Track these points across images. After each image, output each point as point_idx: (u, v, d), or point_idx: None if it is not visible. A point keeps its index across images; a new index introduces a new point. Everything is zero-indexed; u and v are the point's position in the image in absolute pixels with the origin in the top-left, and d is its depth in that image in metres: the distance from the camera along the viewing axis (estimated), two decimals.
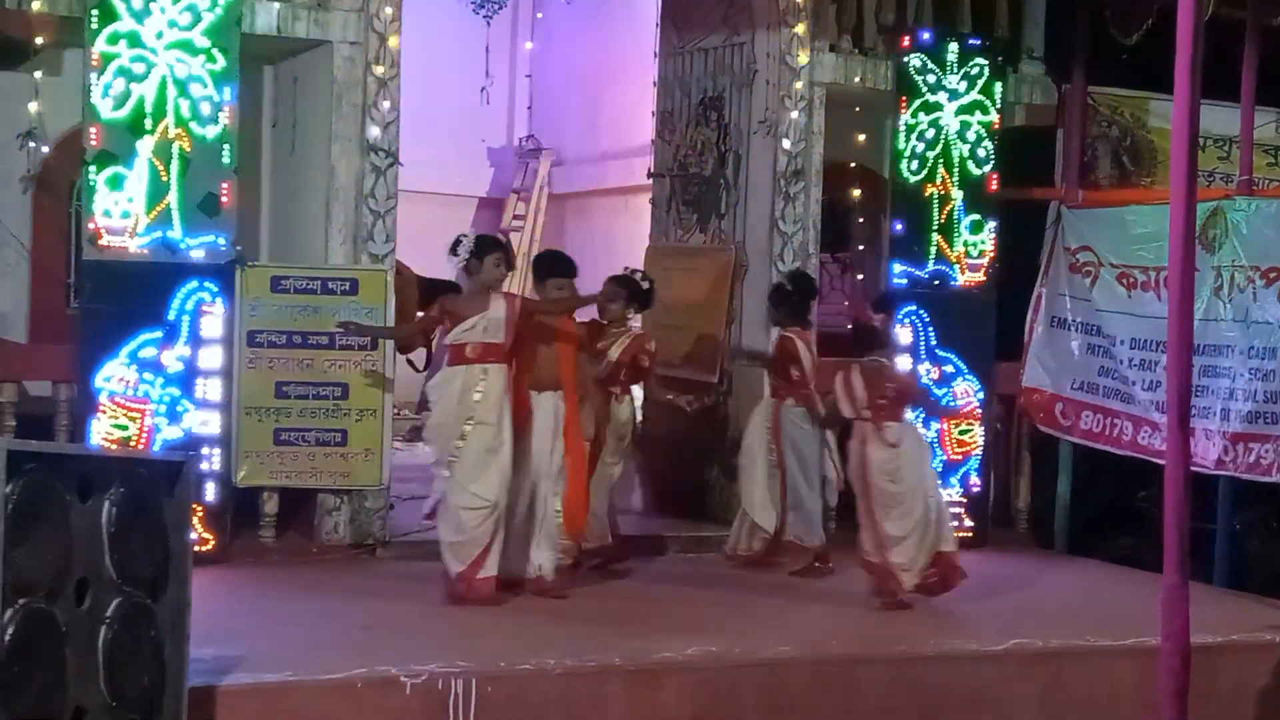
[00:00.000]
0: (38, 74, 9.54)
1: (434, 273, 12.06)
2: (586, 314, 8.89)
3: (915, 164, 10.50)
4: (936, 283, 10.57)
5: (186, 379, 8.79)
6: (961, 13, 10.85)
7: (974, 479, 10.66)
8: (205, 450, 8.69)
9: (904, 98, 10.49)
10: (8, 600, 4.93)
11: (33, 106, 9.52)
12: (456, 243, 8.29)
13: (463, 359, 8.16)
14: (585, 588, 8.71)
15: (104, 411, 8.63)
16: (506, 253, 8.43)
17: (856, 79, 10.62)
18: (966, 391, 10.60)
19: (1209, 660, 7.54)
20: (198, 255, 8.76)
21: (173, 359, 8.75)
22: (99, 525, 5.41)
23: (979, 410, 10.66)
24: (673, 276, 10.59)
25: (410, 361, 10.28)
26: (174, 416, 8.77)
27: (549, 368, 8.41)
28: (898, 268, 10.54)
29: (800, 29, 10.31)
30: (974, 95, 10.60)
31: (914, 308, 10.53)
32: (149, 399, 8.71)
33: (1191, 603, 5.44)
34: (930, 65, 10.50)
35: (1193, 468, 5.62)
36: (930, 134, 10.51)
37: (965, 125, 10.58)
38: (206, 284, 8.80)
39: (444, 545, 8.14)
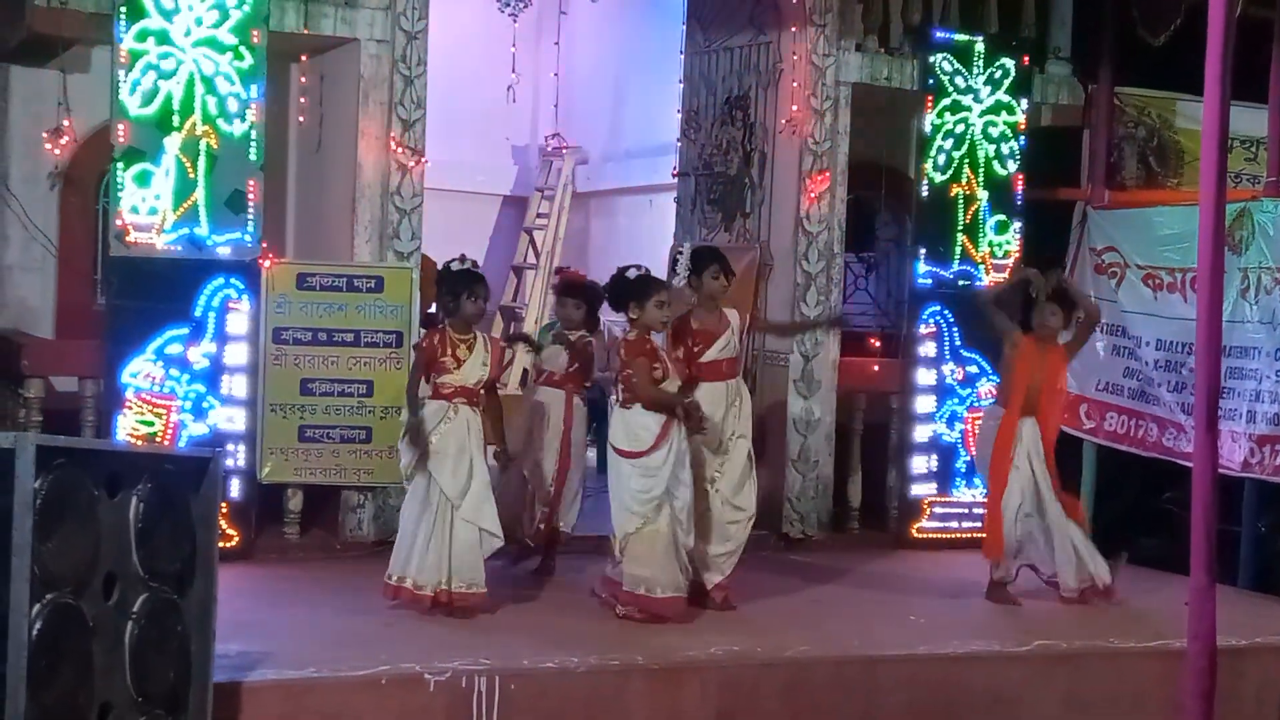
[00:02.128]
0: (66, 71, 9.57)
1: None
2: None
3: (941, 164, 10.49)
4: (961, 283, 10.55)
5: (212, 375, 8.81)
6: (988, 13, 10.82)
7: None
8: (230, 446, 8.75)
9: (930, 97, 10.48)
10: (36, 595, 4.95)
11: (60, 103, 9.55)
12: (674, 260, 8.43)
13: (720, 374, 8.23)
14: None
15: (130, 407, 8.66)
16: (723, 262, 8.40)
17: (883, 78, 10.61)
18: (990, 392, 10.56)
19: (1233, 663, 7.52)
20: (224, 252, 8.79)
21: (199, 355, 8.78)
22: (126, 521, 5.44)
23: None
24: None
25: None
26: (199, 413, 8.80)
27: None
28: (922, 267, 10.53)
29: (826, 28, 10.31)
30: (1000, 95, 10.58)
31: (939, 308, 10.52)
32: (175, 395, 8.74)
33: (1217, 604, 5.42)
34: (956, 65, 10.49)
35: (1218, 470, 5.59)
36: (956, 134, 10.50)
37: (991, 125, 10.57)
38: (233, 281, 8.82)
39: (715, 558, 8.18)
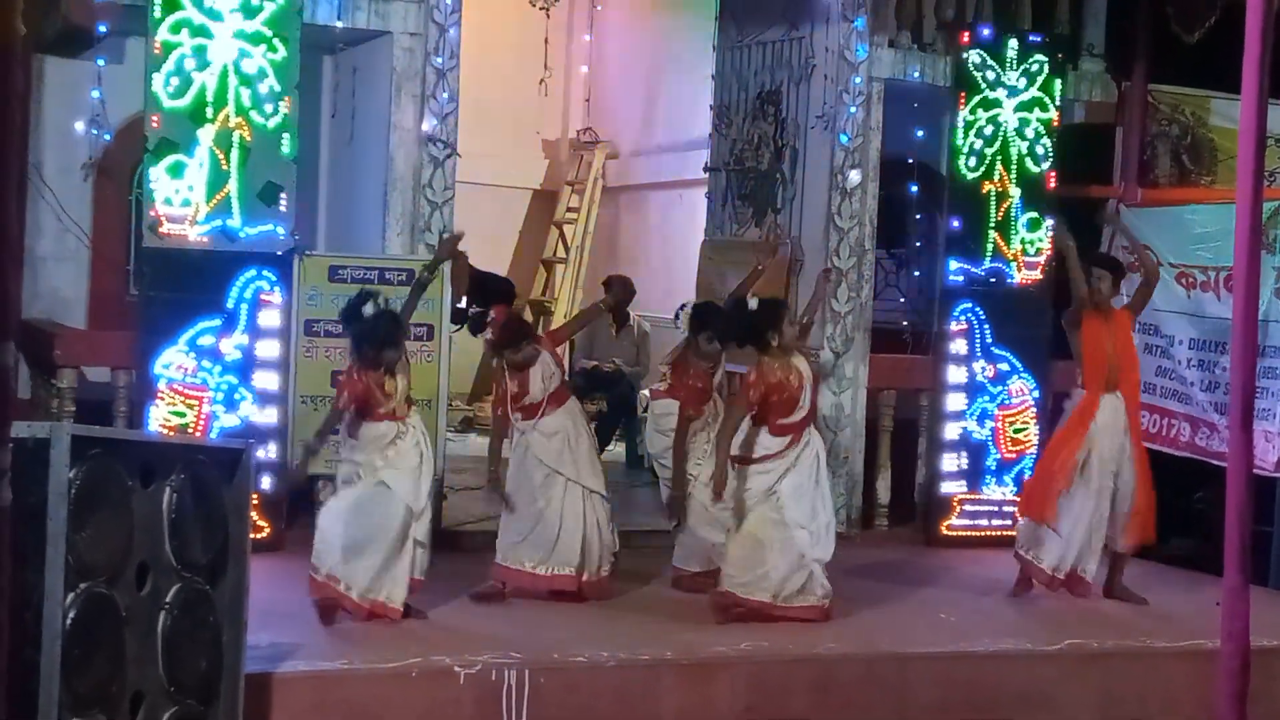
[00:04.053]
0: (100, 61, 9.60)
1: (487, 264, 12.12)
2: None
3: (973, 160, 10.45)
4: (993, 280, 10.52)
5: (244, 367, 8.84)
6: (1022, 9, 10.81)
7: (1028, 477, 10.59)
8: (261, 437, 8.75)
9: (963, 94, 10.43)
10: (70, 584, 4.98)
11: (95, 94, 9.58)
12: (677, 314, 8.95)
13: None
14: (639, 583, 8.72)
15: (162, 398, 8.69)
16: (720, 328, 8.60)
17: (915, 74, 10.59)
18: (1022, 389, 10.55)
19: (1265, 663, 7.43)
20: (256, 244, 8.81)
21: (230, 347, 8.81)
22: (160, 511, 5.47)
23: (1034, 409, 10.60)
24: (727, 271, 10.57)
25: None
26: (231, 404, 8.82)
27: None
28: (954, 265, 10.49)
29: (859, 24, 10.29)
30: (1033, 92, 10.53)
31: (970, 305, 10.48)
32: (206, 386, 8.77)
33: (1250, 605, 5.39)
34: (989, 61, 10.45)
35: (1252, 470, 5.57)
36: (989, 131, 10.45)
37: (1024, 122, 10.52)
38: (265, 273, 8.84)
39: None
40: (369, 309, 7.55)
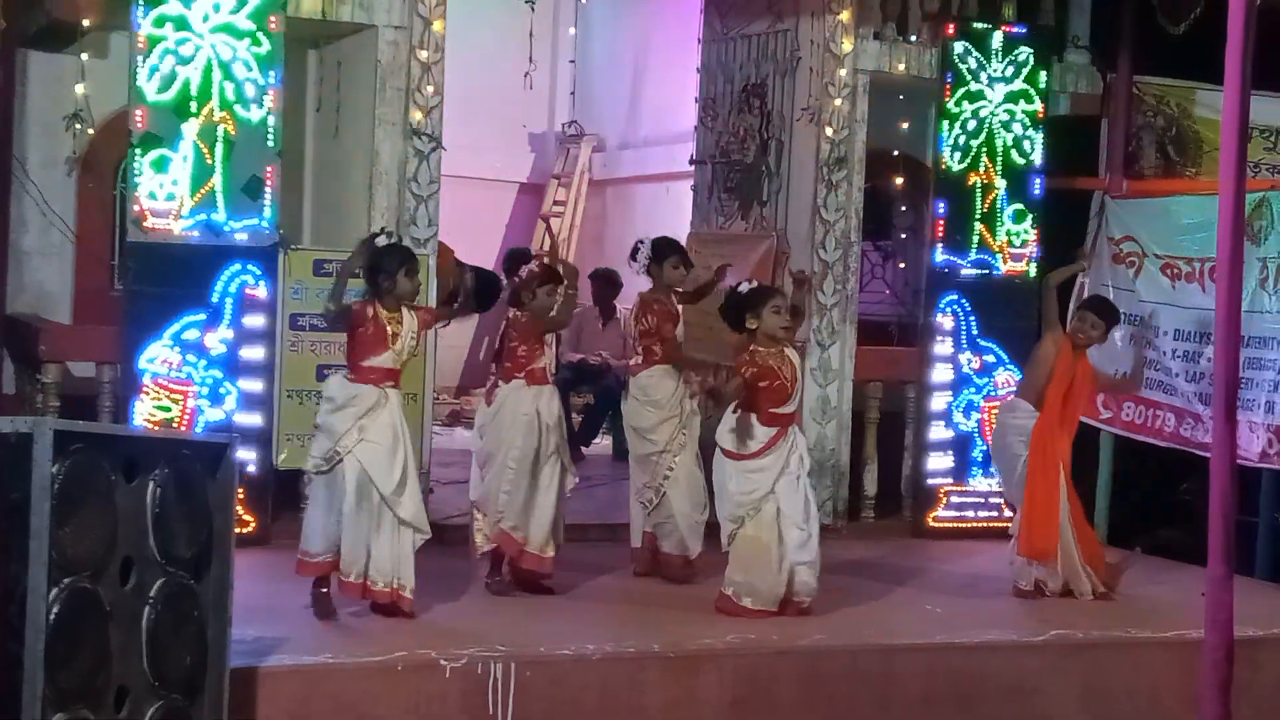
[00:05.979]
0: (84, 56, 9.58)
1: (474, 257, 12.11)
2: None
3: (958, 152, 10.45)
4: (979, 272, 10.53)
5: (229, 361, 8.82)
6: (1007, 1, 10.80)
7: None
8: (246, 432, 8.74)
9: (948, 86, 10.44)
10: (53, 579, 4.97)
11: (79, 88, 9.56)
12: (634, 251, 8.76)
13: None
14: (624, 576, 8.73)
15: (147, 393, 8.67)
16: (682, 254, 8.77)
17: (900, 66, 10.59)
18: (1008, 381, 10.55)
19: (1250, 654, 7.49)
20: (241, 238, 8.79)
21: (215, 341, 8.79)
22: (144, 505, 5.45)
23: None
24: (713, 264, 10.55)
25: None
26: (216, 398, 8.81)
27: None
28: (940, 256, 10.50)
29: (844, 16, 10.28)
30: (1018, 84, 10.54)
31: (956, 297, 10.50)
32: (191, 381, 8.75)
33: (1234, 595, 5.41)
34: (975, 53, 10.45)
35: (1236, 460, 5.59)
36: (974, 122, 10.46)
37: (1009, 114, 10.53)
38: (249, 267, 8.83)
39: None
40: (381, 240, 7.62)
